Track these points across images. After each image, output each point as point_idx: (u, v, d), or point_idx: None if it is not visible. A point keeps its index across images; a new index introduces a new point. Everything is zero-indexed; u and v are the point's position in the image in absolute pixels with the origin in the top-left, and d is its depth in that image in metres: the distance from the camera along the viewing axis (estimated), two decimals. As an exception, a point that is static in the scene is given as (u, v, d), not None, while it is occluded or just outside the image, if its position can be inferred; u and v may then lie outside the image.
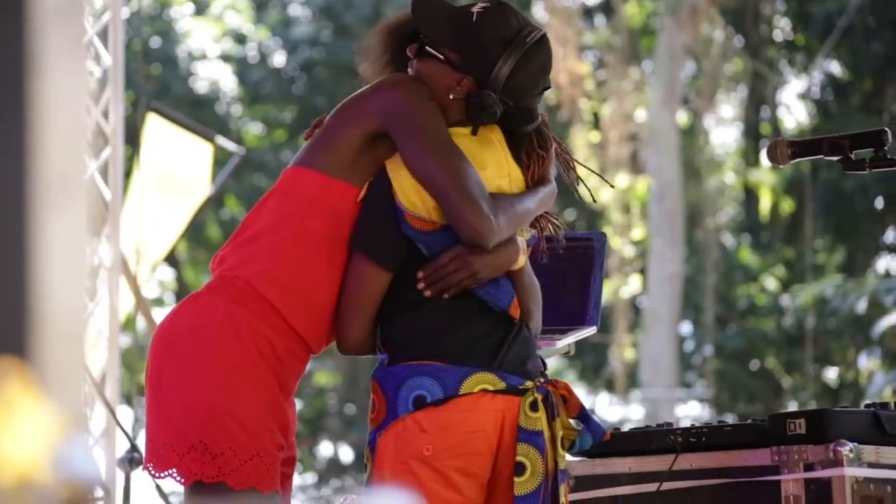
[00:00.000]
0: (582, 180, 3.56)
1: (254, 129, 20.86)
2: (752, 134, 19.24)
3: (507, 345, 3.28)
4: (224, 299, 3.25)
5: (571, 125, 16.44)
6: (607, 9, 18.71)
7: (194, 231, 18.15)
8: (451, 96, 3.33)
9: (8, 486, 1.32)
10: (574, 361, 19.35)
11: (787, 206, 19.02)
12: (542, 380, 3.31)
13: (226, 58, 20.15)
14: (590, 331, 3.80)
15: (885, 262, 18.32)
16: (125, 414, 11.77)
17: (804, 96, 18.91)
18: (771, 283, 19.28)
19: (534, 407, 3.26)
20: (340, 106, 3.36)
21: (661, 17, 17.21)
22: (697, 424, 4.07)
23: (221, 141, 10.08)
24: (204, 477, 3.19)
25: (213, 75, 20.07)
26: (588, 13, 18.92)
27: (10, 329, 1.34)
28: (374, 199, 3.31)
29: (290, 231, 3.29)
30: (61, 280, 1.36)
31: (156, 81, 18.59)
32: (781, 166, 3.61)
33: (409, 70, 3.39)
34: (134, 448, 5.23)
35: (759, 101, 18.86)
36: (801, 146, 3.56)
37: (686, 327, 18.75)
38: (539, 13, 17.05)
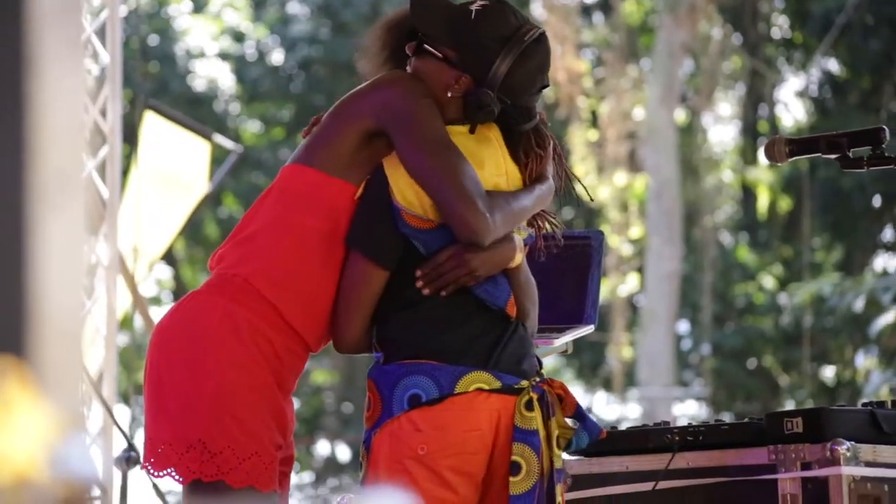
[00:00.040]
0: (578, 179, 3.55)
1: (252, 127, 20.85)
2: (750, 132, 19.24)
3: (502, 344, 3.27)
4: (223, 297, 3.25)
5: (569, 123, 16.43)
6: (605, 6, 18.70)
7: (192, 229, 18.14)
8: (449, 94, 3.33)
9: (5, 484, 1.32)
10: (571, 360, 19.36)
11: (785, 204, 19.02)
12: (537, 379, 3.31)
13: (224, 56, 20.13)
14: (587, 329, 3.81)
15: (882, 261, 18.31)
16: (122, 413, 11.77)
17: (802, 94, 18.92)
18: (768, 281, 19.28)
19: (529, 406, 3.25)
20: (338, 103, 3.36)
21: (659, 14, 17.20)
22: (694, 423, 4.07)
23: (219, 139, 10.06)
24: (202, 476, 3.19)
25: (211, 73, 20.06)
26: (586, 11, 18.91)
27: (8, 327, 1.34)
28: (371, 197, 3.30)
29: (288, 229, 3.29)
30: (59, 278, 1.36)
31: (154, 79, 18.57)
32: (779, 164, 3.61)
33: (408, 68, 3.39)
34: (131, 447, 5.23)
35: (757, 98, 18.85)
36: (798, 144, 3.56)
37: (683, 326, 18.75)
38: (537, 11, 17.04)
